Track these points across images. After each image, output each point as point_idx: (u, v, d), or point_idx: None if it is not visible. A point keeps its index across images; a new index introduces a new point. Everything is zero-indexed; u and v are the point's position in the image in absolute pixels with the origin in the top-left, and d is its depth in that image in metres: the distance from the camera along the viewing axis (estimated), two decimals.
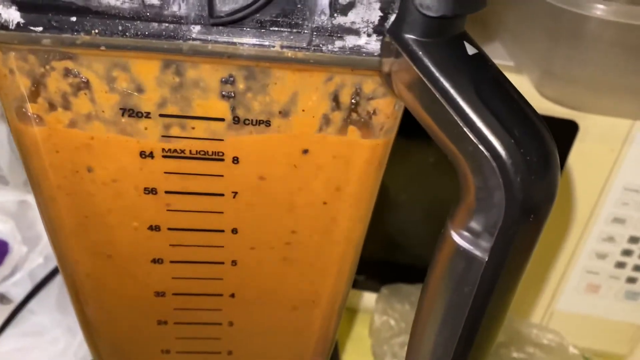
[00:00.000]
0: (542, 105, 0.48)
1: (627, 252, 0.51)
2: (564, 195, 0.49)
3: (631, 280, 0.52)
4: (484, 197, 0.18)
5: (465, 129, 0.17)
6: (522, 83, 0.46)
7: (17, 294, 0.56)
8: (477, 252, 0.19)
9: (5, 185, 0.58)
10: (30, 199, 0.58)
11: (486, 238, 0.19)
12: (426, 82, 0.18)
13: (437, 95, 0.18)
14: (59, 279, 0.56)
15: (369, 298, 0.53)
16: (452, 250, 0.20)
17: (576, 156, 0.49)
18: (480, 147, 0.17)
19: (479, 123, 0.17)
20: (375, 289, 0.54)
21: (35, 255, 0.57)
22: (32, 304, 0.55)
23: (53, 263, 0.56)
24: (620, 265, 0.52)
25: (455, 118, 0.17)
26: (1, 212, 0.57)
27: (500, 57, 0.46)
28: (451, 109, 0.17)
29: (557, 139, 0.53)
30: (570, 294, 0.55)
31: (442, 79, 0.17)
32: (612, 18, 0.38)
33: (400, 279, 0.54)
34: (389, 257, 0.54)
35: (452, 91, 0.17)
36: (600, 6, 0.39)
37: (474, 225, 0.19)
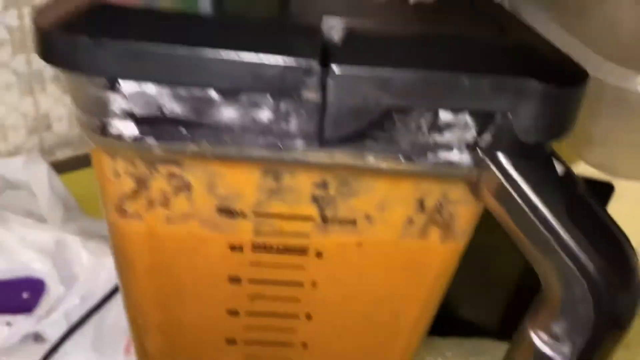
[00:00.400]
0: (579, 167, 0.49)
1: None
2: None
3: None
4: (569, 307, 0.19)
5: (555, 246, 0.18)
6: (561, 146, 0.46)
7: (53, 333, 0.57)
8: (558, 358, 0.20)
9: (44, 223, 0.59)
10: (68, 238, 0.59)
11: (568, 344, 0.19)
12: (517, 198, 0.18)
13: (528, 211, 0.18)
14: (95, 320, 0.57)
15: None
16: (529, 351, 0.20)
17: (612, 214, 0.49)
18: (570, 264, 0.18)
19: (570, 242, 0.18)
20: None
21: (72, 296, 0.57)
22: (68, 345, 0.56)
23: (89, 303, 0.57)
24: None
25: (546, 234, 0.18)
26: (39, 251, 0.57)
27: None
28: (542, 226, 0.18)
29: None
30: None
31: (534, 198, 0.18)
32: None
33: (433, 332, 0.54)
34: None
35: (544, 210, 0.18)
36: None
37: (556, 330, 0.20)
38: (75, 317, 0.54)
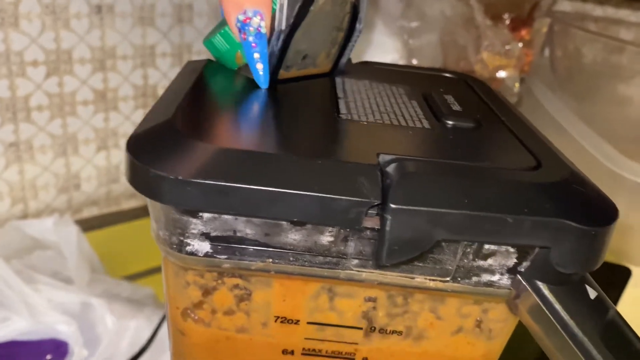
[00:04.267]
0: None
1: None
2: None
3: None
4: None
5: None
6: None
7: None
8: None
9: (70, 284, 0.61)
10: (94, 300, 0.60)
11: None
12: (553, 319, 0.20)
13: (564, 334, 0.20)
14: None
15: None
16: None
17: (630, 298, 0.51)
18: None
19: None
20: None
21: (95, 359, 0.58)
22: None
23: None
24: None
25: (579, 355, 0.20)
26: (65, 312, 0.59)
27: None
28: (575, 347, 0.20)
29: (610, 282, 0.56)
30: None
31: (567, 321, 0.20)
32: None
33: None
34: None
35: (577, 332, 0.20)
36: None
37: None
38: None
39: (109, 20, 0.66)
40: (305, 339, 0.23)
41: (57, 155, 0.68)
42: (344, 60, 0.28)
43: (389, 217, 0.19)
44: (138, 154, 0.19)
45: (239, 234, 0.20)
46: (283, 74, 0.26)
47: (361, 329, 0.23)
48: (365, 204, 0.19)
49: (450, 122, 0.24)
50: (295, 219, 0.19)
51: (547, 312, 0.20)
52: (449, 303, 0.22)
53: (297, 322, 0.22)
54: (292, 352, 0.23)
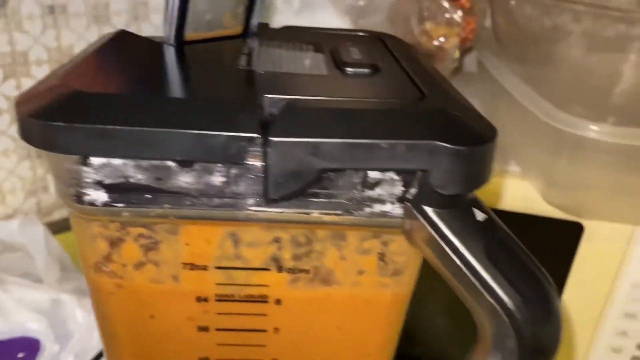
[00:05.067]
0: (548, 208, 0.51)
1: None
2: (575, 290, 0.52)
3: None
4: (498, 342, 0.21)
5: (478, 286, 0.21)
6: (528, 189, 0.49)
7: None
8: None
9: (40, 283, 0.61)
10: (64, 297, 0.60)
11: None
12: (442, 244, 0.21)
13: (453, 255, 0.21)
14: None
15: None
16: None
17: (584, 254, 0.52)
18: (493, 302, 0.20)
19: (490, 281, 0.20)
20: None
21: (66, 354, 0.59)
22: None
23: None
24: (637, 359, 0.53)
25: (469, 276, 0.21)
26: (35, 311, 0.59)
27: (506, 162, 0.50)
28: (465, 268, 0.21)
29: (564, 239, 0.57)
30: None
31: (456, 243, 0.21)
32: (605, 139, 0.42)
33: None
34: (407, 350, 0.56)
35: (465, 253, 0.21)
36: (595, 127, 0.43)
37: None
38: None
39: (64, 20, 0.66)
40: (217, 284, 0.24)
41: (21, 158, 0.68)
42: (254, 21, 0.29)
43: (269, 150, 0.19)
44: (23, 108, 0.20)
45: (131, 180, 0.21)
46: (191, 35, 0.26)
47: (269, 270, 0.23)
48: (244, 139, 0.19)
49: (347, 69, 0.25)
50: (177, 158, 0.20)
51: (435, 235, 0.21)
52: (349, 239, 0.23)
53: (205, 267, 0.23)
54: (206, 299, 0.24)
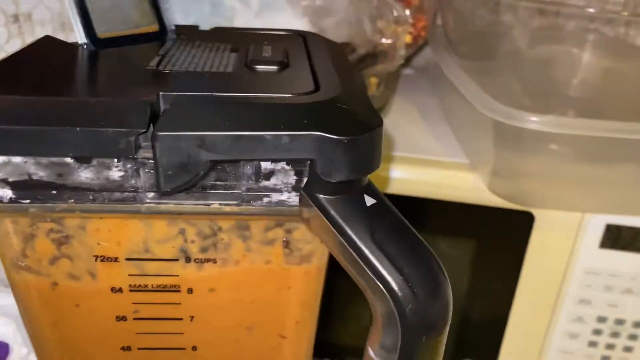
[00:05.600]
0: (498, 199, 0.52)
1: (597, 332, 0.54)
2: (530, 278, 0.53)
3: (605, 359, 0.54)
4: (387, 321, 0.22)
5: (365, 268, 0.22)
6: (477, 180, 0.50)
7: None
8: None
9: (7, 287, 0.62)
10: None
11: (394, 354, 0.23)
12: (333, 229, 0.22)
13: (342, 240, 0.22)
14: None
15: None
16: None
17: (536, 243, 0.53)
18: (377, 282, 0.22)
19: (375, 263, 0.22)
20: None
21: (34, 356, 0.59)
22: None
23: None
24: (593, 344, 0.54)
25: (357, 259, 0.22)
26: (3, 314, 0.60)
27: (457, 155, 0.51)
28: (353, 251, 0.22)
29: (515, 228, 0.58)
30: None
31: (344, 227, 0.22)
32: (545, 129, 0.43)
33: None
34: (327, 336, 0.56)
35: (352, 237, 0.22)
36: (534, 119, 0.44)
37: (385, 342, 0.23)
38: None
39: (28, 28, 0.67)
40: (129, 275, 0.25)
41: None
42: (170, 20, 0.30)
43: (157, 144, 0.20)
44: None
45: (34, 177, 0.22)
46: (104, 34, 0.27)
47: (177, 260, 0.24)
48: (132, 134, 0.20)
49: (255, 67, 0.26)
50: (72, 154, 0.21)
51: (326, 221, 0.22)
52: (254, 229, 0.24)
53: (116, 259, 0.24)
54: (120, 290, 0.25)
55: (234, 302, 0.26)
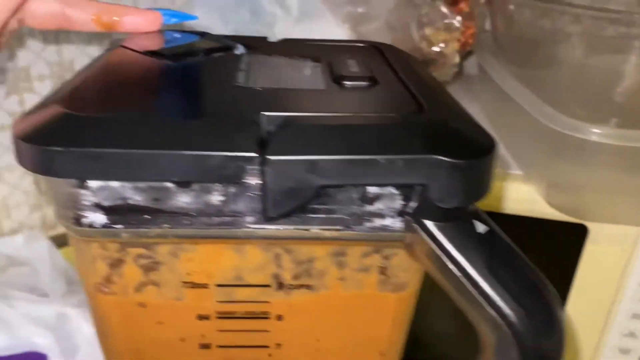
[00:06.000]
0: (552, 211, 0.51)
1: None
2: (581, 293, 0.51)
3: None
4: (500, 354, 0.21)
5: (479, 298, 0.20)
6: (530, 192, 0.49)
7: None
8: None
9: (45, 297, 0.61)
10: (69, 311, 0.61)
11: None
12: (443, 256, 0.21)
13: (453, 268, 0.21)
14: None
15: None
16: None
17: (589, 256, 0.51)
18: (494, 314, 0.20)
19: (492, 293, 0.20)
20: None
21: None
22: None
23: None
24: None
25: (470, 288, 0.21)
26: (41, 325, 0.59)
27: (509, 165, 0.49)
28: (466, 280, 0.21)
29: (568, 241, 0.56)
30: None
31: (456, 256, 0.21)
32: (607, 141, 0.42)
33: None
34: (414, 355, 0.55)
35: (466, 266, 0.21)
36: (596, 130, 0.42)
37: None
38: None
39: (64, 35, 0.67)
40: (218, 302, 0.23)
41: (25, 173, 0.69)
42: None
43: (267, 169, 0.19)
44: (19, 133, 0.20)
45: (130, 202, 0.21)
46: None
47: (270, 286, 0.23)
48: (242, 158, 0.19)
49: (345, 83, 0.25)
50: (175, 179, 0.20)
51: (436, 248, 0.21)
52: (350, 255, 0.23)
53: (206, 285, 0.23)
54: (207, 317, 0.24)
55: (324, 329, 0.25)
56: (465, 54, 0.58)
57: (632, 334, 0.52)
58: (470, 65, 0.66)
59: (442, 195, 0.20)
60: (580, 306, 0.52)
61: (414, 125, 0.21)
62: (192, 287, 0.23)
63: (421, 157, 0.19)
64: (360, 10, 0.62)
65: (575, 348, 0.53)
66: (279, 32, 0.64)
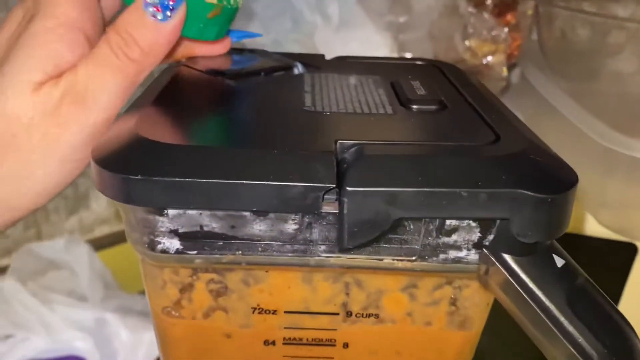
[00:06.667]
0: (600, 228, 0.50)
1: None
2: (628, 312, 0.50)
3: None
4: None
5: (559, 335, 0.20)
6: (578, 209, 0.48)
7: None
8: None
9: (85, 302, 0.62)
10: (108, 316, 0.61)
11: None
12: (521, 291, 0.20)
13: (532, 303, 0.20)
14: None
15: None
16: None
17: (638, 275, 0.50)
18: (573, 351, 0.20)
19: (572, 331, 0.20)
20: None
21: None
22: None
23: None
24: None
25: (549, 324, 0.20)
26: (81, 329, 0.60)
27: None
28: (545, 317, 0.20)
29: (617, 260, 0.55)
30: None
31: (536, 290, 0.20)
32: None
33: None
34: None
35: (546, 302, 0.20)
36: None
37: None
38: None
39: None
40: (285, 328, 0.23)
41: None
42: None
43: (345, 200, 0.19)
44: (100, 160, 0.20)
45: (205, 229, 0.21)
46: None
47: (338, 314, 0.23)
48: (321, 189, 0.19)
49: (413, 106, 0.25)
50: (254, 209, 0.19)
51: (514, 283, 0.20)
52: (421, 287, 0.23)
53: (274, 312, 0.23)
54: (273, 343, 0.24)
55: (388, 356, 0.24)
56: (509, 65, 0.57)
57: None
58: (513, 76, 0.65)
59: (525, 230, 0.20)
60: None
61: (495, 157, 0.20)
62: (260, 313, 0.23)
63: (505, 190, 0.19)
64: (402, 19, 0.62)
65: None
66: (318, 41, 0.64)
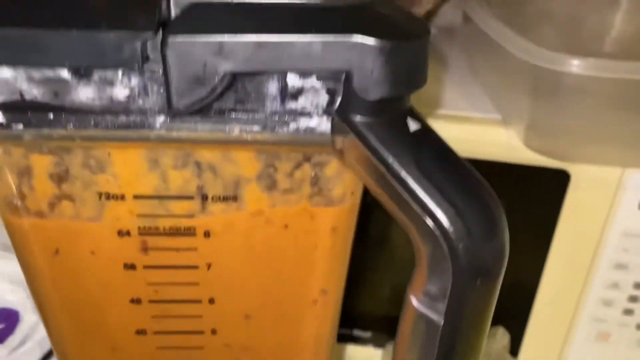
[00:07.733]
0: (532, 156, 0.49)
1: (633, 299, 0.51)
2: (563, 241, 0.50)
3: None
4: (434, 263, 0.19)
5: (410, 201, 0.19)
6: (510, 136, 0.47)
7: None
8: (434, 316, 0.20)
9: (12, 254, 0.60)
10: None
11: (441, 301, 0.20)
12: (372, 157, 0.19)
13: (383, 169, 0.19)
14: None
15: (375, 354, 0.53)
16: (412, 315, 0.21)
17: (571, 204, 0.49)
18: (425, 217, 0.18)
19: (422, 195, 0.18)
20: (381, 344, 0.54)
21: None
22: None
23: None
24: (628, 312, 0.51)
25: (400, 191, 0.19)
26: (12, 282, 0.58)
27: (487, 110, 0.47)
28: (396, 182, 0.19)
29: (549, 188, 0.54)
30: (580, 344, 0.54)
31: (385, 155, 0.19)
32: (588, 73, 0.40)
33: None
34: (394, 312, 0.54)
35: (395, 166, 0.19)
36: (576, 62, 0.40)
37: (430, 289, 0.20)
38: (48, 345, 0.54)
39: None
40: (138, 216, 0.22)
41: None
42: None
43: (168, 52, 0.17)
44: None
45: (27, 97, 0.19)
46: None
47: (193, 198, 0.22)
48: (138, 38, 0.17)
49: None
50: (67, 63, 0.18)
51: (364, 148, 0.19)
52: (280, 168, 0.21)
53: (122, 197, 0.21)
54: (128, 233, 0.22)
55: (254, 247, 0.23)
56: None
57: (615, 285, 0.51)
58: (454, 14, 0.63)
59: (366, 84, 0.18)
60: (562, 257, 0.50)
61: (336, 7, 0.19)
62: (108, 199, 0.21)
63: (341, 37, 0.17)
64: None
65: (558, 298, 0.52)
66: None
